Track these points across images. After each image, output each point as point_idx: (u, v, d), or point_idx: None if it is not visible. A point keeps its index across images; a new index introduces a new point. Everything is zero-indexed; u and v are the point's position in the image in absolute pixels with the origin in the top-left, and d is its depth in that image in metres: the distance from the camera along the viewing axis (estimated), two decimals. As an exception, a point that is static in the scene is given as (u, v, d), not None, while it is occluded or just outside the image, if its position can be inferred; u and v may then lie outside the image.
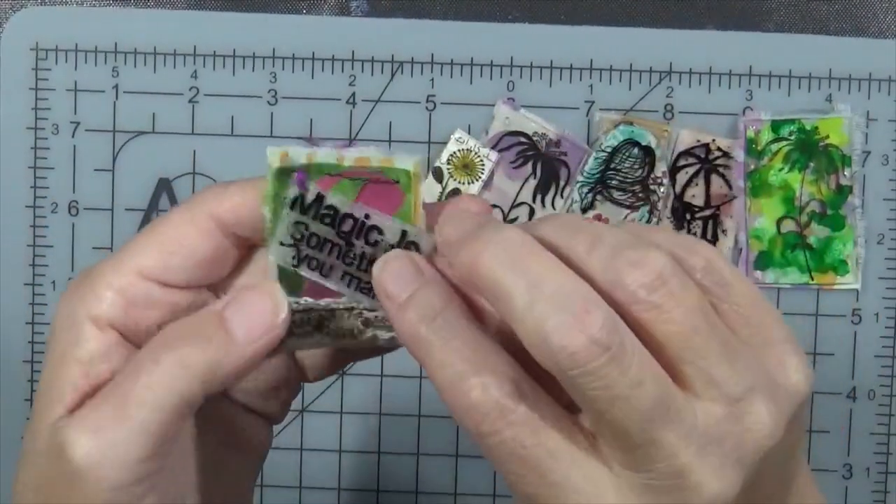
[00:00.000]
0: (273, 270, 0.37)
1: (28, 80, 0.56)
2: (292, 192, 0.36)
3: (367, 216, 0.36)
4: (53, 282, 0.57)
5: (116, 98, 0.57)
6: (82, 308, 0.36)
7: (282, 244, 0.36)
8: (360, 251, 0.36)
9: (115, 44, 0.56)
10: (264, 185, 0.36)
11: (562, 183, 0.57)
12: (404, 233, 0.36)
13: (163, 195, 0.57)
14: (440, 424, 0.57)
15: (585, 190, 0.57)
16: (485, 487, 0.57)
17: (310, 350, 0.40)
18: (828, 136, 0.56)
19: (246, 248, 0.38)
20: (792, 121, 0.56)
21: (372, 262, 0.36)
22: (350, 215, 0.36)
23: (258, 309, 0.36)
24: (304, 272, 0.36)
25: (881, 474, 0.57)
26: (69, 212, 0.57)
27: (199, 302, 0.37)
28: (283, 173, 0.36)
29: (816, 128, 0.56)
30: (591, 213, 0.57)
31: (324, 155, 0.36)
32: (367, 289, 0.36)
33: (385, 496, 0.57)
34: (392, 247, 0.36)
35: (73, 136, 0.57)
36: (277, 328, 0.36)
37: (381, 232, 0.36)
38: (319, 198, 0.36)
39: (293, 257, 0.36)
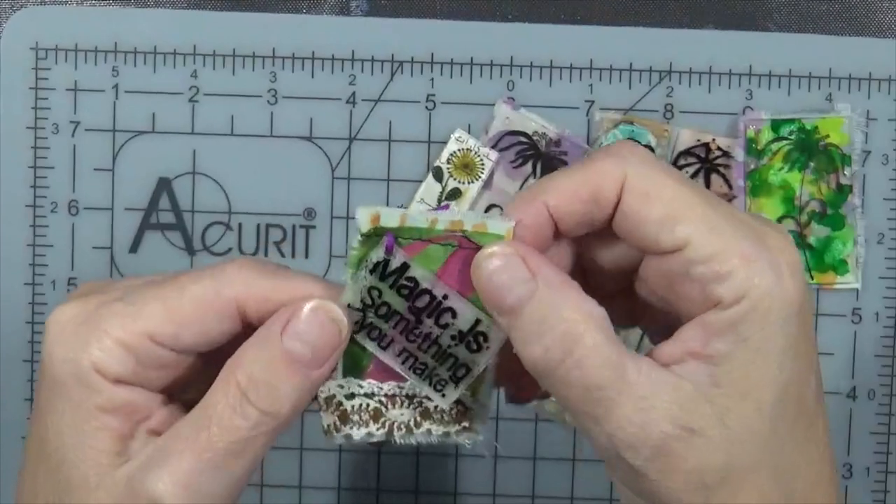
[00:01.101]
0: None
1: (28, 80, 0.56)
2: (377, 255, 0.34)
3: (445, 296, 0.35)
4: (53, 282, 0.57)
5: (116, 98, 0.57)
6: (87, 358, 0.35)
7: (349, 306, 0.35)
8: (426, 330, 0.35)
9: (115, 44, 0.56)
10: (309, 285, 0.35)
11: (562, 182, 0.57)
12: (477, 321, 0.35)
13: (163, 195, 0.57)
14: (440, 424, 0.57)
15: (585, 190, 0.57)
16: (485, 487, 0.57)
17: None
18: (828, 136, 0.56)
19: None
20: (792, 120, 0.56)
21: (435, 343, 0.35)
22: (429, 291, 0.35)
23: (320, 329, 0.35)
24: (363, 340, 0.35)
25: (881, 474, 0.57)
26: (69, 211, 0.57)
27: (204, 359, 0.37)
28: (371, 236, 0.34)
29: (816, 127, 0.56)
30: (591, 213, 0.57)
31: (416, 218, 0.34)
32: (420, 370, 0.35)
33: (385, 496, 0.57)
34: (461, 333, 0.35)
35: (73, 136, 0.57)
36: (343, 340, 0.35)
37: (454, 315, 0.35)
38: (404, 267, 0.34)
39: (357, 322, 0.35)
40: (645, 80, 0.57)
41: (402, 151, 0.57)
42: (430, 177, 0.56)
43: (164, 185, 0.57)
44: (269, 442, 0.35)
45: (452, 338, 0.35)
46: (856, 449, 0.57)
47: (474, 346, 0.35)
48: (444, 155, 0.56)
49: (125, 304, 0.36)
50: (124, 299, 0.36)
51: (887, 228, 0.57)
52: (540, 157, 0.57)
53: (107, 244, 0.57)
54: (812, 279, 0.57)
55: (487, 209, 0.56)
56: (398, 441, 0.36)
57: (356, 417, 0.35)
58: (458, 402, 0.36)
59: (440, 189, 0.56)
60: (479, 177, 0.56)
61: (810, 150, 0.56)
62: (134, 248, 0.57)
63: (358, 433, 0.36)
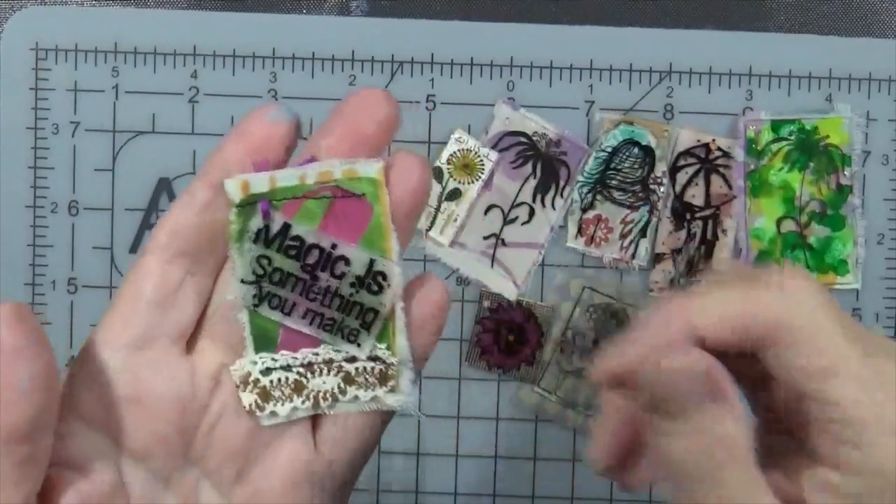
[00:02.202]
0: (244, 319, 0.35)
1: (28, 80, 0.56)
2: (256, 223, 0.34)
3: (333, 246, 0.34)
4: (53, 282, 0.57)
5: (116, 98, 0.57)
6: None
7: (243, 282, 0.34)
8: (324, 285, 0.34)
9: (115, 44, 0.56)
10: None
11: (562, 183, 0.57)
12: (372, 262, 0.34)
13: (163, 195, 0.57)
14: (440, 424, 0.57)
15: (585, 190, 0.57)
16: (485, 487, 0.57)
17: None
18: (828, 136, 0.56)
19: None
20: (792, 121, 0.56)
21: (336, 295, 0.35)
22: (316, 245, 0.34)
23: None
24: (265, 311, 0.35)
25: (881, 474, 0.57)
26: (69, 212, 0.57)
27: None
28: (245, 206, 0.34)
29: (816, 128, 0.56)
30: (591, 213, 0.57)
31: (285, 176, 0.34)
32: (329, 326, 0.35)
33: (385, 496, 0.57)
34: (359, 278, 0.34)
35: (73, 136, 0.57)
36: (45, 352, 0.31)
37: (347, 262, 0.34)
38: (285, 228, 0.34)
39: (254, 296, 0.35)
40: (645, 80, 0.57)
41: (402, 151, 0.57)
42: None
43: (164, 185, 0.57)
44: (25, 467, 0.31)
45: (352, 285, 0.34)
46: (855, 449, 0.57)
47: (375, 288, 0.35)
48: (444, 155, 0.56)
49: None
50: None
51: (887, 229, 0.57)
52: (540, 157, 0.57)
53: (107, 244, 0.57)
54: (812, 279, 0.57)
55: (487, 210, 0.56)
56: (326, 411, 0.35)
57: (277, 393, 0.35)
58: (376, 360, 0.35)
59: (440, 189, 0.56)
60: (479, 177, 0.56)
61: (810, 150, 0.56)
62: (134, 248, 0.57)
63: (283, 409, 0.35)
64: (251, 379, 0.35)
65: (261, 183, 0.34)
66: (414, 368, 0.36)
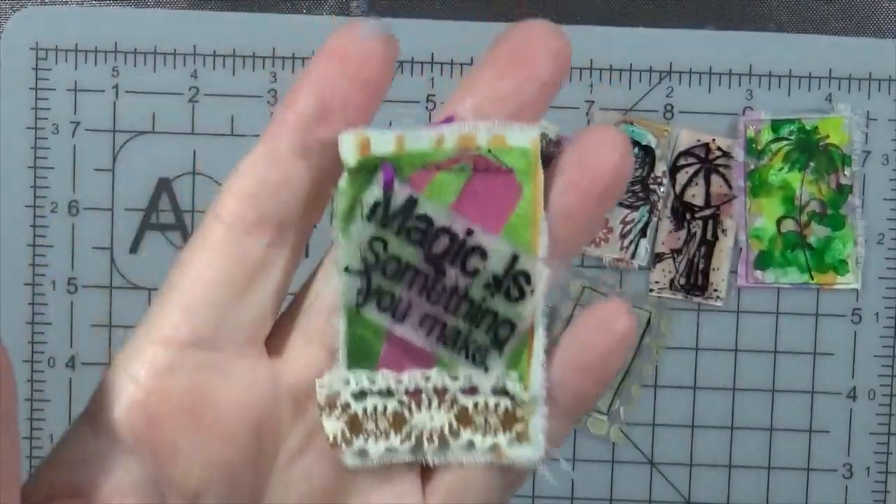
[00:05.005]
0: (341, 323, 0.27)
1: (28, 80, 0.56)
2: (373, 194, 0.26)
3: (469, 232, 0.26)
4: (53, 282, 0.57)
5: (116, 98, 0.57)
6: None
7: (347, 271, 0.27)
8: (451, 284, 0.26)
9: (115, 44, 0.56)
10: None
11: (562, 183, 0.57)
12: (515, 258, 0.26)
13: (163, 195, 0.57)
14: (440, 424, 0.57)
15: (585, 190, 0.57)
16: (485, 487, 0.57)
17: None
18: (828, 136, 0.56)
19: None
20: (792, 120, 0.56)
21: (465, 298, 0.26)
22: (447, 230, 0.26)
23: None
24: (371, 313, 0.27)
25: (881, 474, 0.57)
26: (69, 212, 0.57)
27: None
28: (361, 171, 0.26)
29: (816, 127, 0.56)
30: (591, 213, 0.57)
31: (417, 138, 0.27)
32: (451, 340, 0.27)
33: (385, 496, 0.57)
34: (496, 279, 0.26)
35: (73, 136, 0.57)
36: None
37: (484, 256, 0.26)
38: (410, 203, 0.26)
39: (359, 292, 0.27)
40: (645, 80, 0.57)
41: (402, 151, 0.57)
42: (430, 177, 0.56)
43: (164, 185, 0.57)
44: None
45: (486, 287, 0.26)
46: (856, 449, 0.57)
47: (515, 293, 0.26)
48: (444, 155, 0.56)
49: None
50: None
51: (887, 228, 0.57)
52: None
53: (107, 244, 0.57)
54: (812, 279, 0.57)
55: (487, 209, 0.56)
56: (430, 458, 0.27)
57: (371, 425, 0.27)
58: (503, 393, 0.27)
59: (440, 189, 0.56)
60: (479, 177, 0.56)
61: (810, 150, 0.56)
62: (134, 248, 0.57)
63: (376, 448, 0.27)
64: (340, 402, 0.27)
65: (385, 142, 0.27)
66: (558, 418, 0.27)
